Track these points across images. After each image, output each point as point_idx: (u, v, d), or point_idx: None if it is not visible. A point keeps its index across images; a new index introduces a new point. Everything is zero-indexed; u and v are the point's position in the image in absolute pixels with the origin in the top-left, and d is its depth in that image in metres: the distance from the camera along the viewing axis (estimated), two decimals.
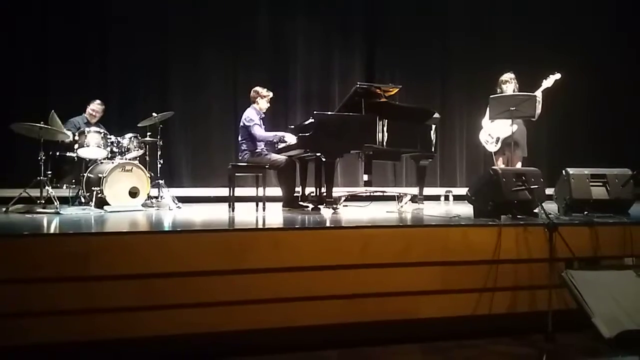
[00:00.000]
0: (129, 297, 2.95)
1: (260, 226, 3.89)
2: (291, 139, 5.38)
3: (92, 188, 5.21)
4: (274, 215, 4.72)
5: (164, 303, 2.99)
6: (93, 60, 7.23)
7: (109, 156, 5.54)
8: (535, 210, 4.01)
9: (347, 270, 3.24)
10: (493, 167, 4.44)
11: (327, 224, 4.00)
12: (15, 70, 6.92)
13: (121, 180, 5.28)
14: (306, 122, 5.44)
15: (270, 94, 5.72)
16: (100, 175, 5.23)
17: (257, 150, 5.53)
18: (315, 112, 5.33)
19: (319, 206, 5.10)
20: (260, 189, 5.18)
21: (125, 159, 5.53)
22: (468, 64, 8.43)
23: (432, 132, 5.50)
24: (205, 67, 7.59)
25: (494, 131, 5.53)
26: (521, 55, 7.72)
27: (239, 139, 5.64)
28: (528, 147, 5.57)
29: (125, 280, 2.95)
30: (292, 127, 5.96)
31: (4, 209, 4.94)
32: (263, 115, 5.70)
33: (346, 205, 5.62)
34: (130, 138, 5.71)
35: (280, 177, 5.64)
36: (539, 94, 5.29)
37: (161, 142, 5.96)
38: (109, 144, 5.54)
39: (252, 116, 5.52)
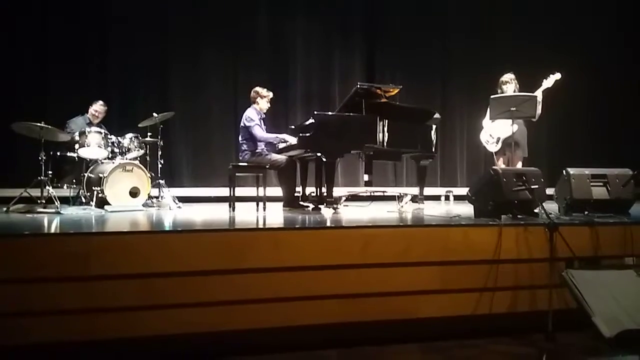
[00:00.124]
0: (129, 297, 2.95)
1: (260, 226, 3.89)
2: (292, 141, 5.39)
3: (93, 188, 5.22)
4: (275, 215, 4.73)
5: (165, 303, 2.99)
6: (93, 60, 7.24)
7: (109, 156, 5.54)
8: (536, 210, 4.01)
9: (348, 270, 3.24)
10: (493, 167, 4.44)
11: (328, 224, 4.00)
12: (15, 70, 6.93)
13: (122, 180, 5.28)
14: (307, 123, 5.45)
15: (270, 94, 5.73)
16: (101, 175, 5.23)
17: (257, 150, 5.53)
18: (315, 113, 5.34)
19: (320, 206, 5.11)
20: (261, 189, 5.18)
21: (126, 159, 5.53)
22: (468, 64, 8.43)
23: (432, 132, 5.50)
24: (205, 67, 7.59)
25: (494, 131, 5.53)
26: (521, 55, 7.72)
27: (240, 139, 5.64)
28: (528, 147, 5.57)
29: (125, 280, 2.96)
30: (293, 127, 5.97)
31: (4, 209, 4.95)
32: (263, 116, 5.71)
33: (347, 205, 5.62)
34: (131, 138, 5.71)
35: (280, 177, 5.64)
36: (539, 94, 5.29)
37: (162, 142, 5.97)
38: (110, 144, 5.55)
39: (252, 116, 5.52)
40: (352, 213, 4.91)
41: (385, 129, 5.08)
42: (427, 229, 3.57)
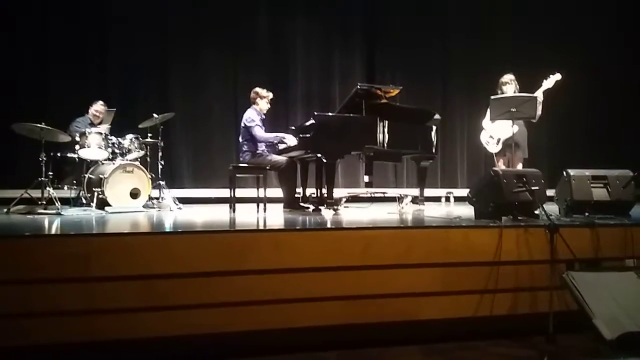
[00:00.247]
0: (130, 298, 2.94)
1: (261, 227, 3.89)
2: (291, 140, 5.38)
3: (93, 189, 5.22)
4: (275, 216, 4.73)
5: (165, 304, 2.99)
6: (93, 61, 7.24)
7: (110, 157, 5.54)
8: (536, 212, 4.01)
9: (348, 271, 3.24)
10: (494, 168, 4.44)
11: (328, 225, 4.00)
12: (15, 70, 6.93)
13: (122, 181, 5.28)
14: (307, 123, 5.45)
15: (270, 95, 5.73)
16: (101, 176, 5.23)
17: (258, 151, 5.53)
18: (315, 113, 5.34)
19: (320, 207, 5.11)
20: (261, 190, 5.18)
21: (126, 160, 5.53)
22: (468, 64, 8.43)
23: (432, 133, 5.50)
24: (205, 67, 7.60)
25: (494, 132, 5.53)
26: (521, 55, 7.72)
27: (240, 139, 5.64)
28: (529, 148, 5.57)
29: (126, 281, 2.95)
30: (293, 128, 5.97)
31: (5, 210, 4.95)
32: (264, 116, 5.71)
33: (347, 206, 5.62)
34: (131, 139, 5.72)
35: (281, 178, 5.64)
36: (539, 94, 5.29)
37: (162, 143, 5.97)
38: (110, 145, 5.55)
39: (252, 117, 5.52)
40: (352, 214, 4.91)
41: (386, 129, 5.08)
42: (428, 230, 3.57)
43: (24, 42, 6.98)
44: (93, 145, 5.38)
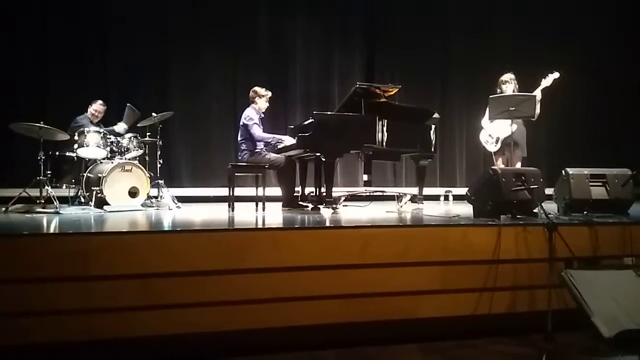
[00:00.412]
0: (128, 297, 2.95)
1: (259, 226, 3.89)
2: (289, 142, 5.39)
3: (92, 188, 5.21)
4: (274, 215, 4.73)
5: (164, 303, 2.99)
6: (93, 60, 7.24)
7: (108, 156, 5.54)
8: (535, 210, 4.01)
9: (347, 270, 3.24)
10: (492, 167, 4.44)
11: (327, 224, 4.00)
12: (15, 70, 6.93)
13: (121, 180, 5.28)
14: (306, 122, 5.45)
15: (269, 94, 5.73)
16: (99, 175, 5.23)
17: (256, 150, 5.53)
18: (314, 112, 5.34)
19: (319, 206, 5.10)
20: (260, 189, 5.18)
21: (125, 159, 5.53)
22: (468, 64, 8.43)
23: (431, 132, 5.50)
24: (205, 67, 7.60)
25: (493, 131, 5.54)
26: (521, 55, 7.72)
27: (239, 138, 5.64)
28: (528, 147, 5.57)
29: (124, 280, 2.96)
30: (292, 127, 5.97)
31: (3, 209, 4.94)
32: (262, 115, 5.71)
33: (346, 205, 5.61)
34: (130, 138, 5.71)
35: (279, 177, 5.64)
36: (538, 93, 5.29)
37: (161, 142, 5.96)
38: (109, 143, 5.54)
39: (251, 115, 5.52)
40: (351, 213, 4.91)
41: (385, 128, 5.07)
42: (426, 229, 3.57)
43: (24, 42, 6.98)
44: (92, 144, 5.37)
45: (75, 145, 5.38)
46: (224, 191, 5.52)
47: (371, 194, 6.64)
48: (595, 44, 8.47)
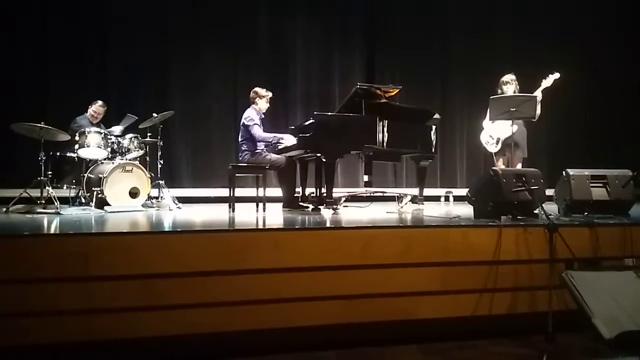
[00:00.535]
0: (129, 298, 2.95)
1: (260, 226, 3.89)
2: (289, 141, 5.38)
3: (93, 188, 5.21)
4: (274, 216, 4.73)
5: (164, 303, 2.99)
6: (93, 61, 7.25)
7: (109, 156, 5.54)
8: (536, 211, 4.01)
9: (348, 270, 3.24)
10: (493, 167, 4.44)
11: (328, 225, 4.00)
12: (15, 70, 6.93)
13: (121, 181, 5.28)
14: (306, 123, 5.44)
15: (270, 94, 5.73)
16: (100, 175, 5.23)
17: (257, 151, 5.53)
18: (315, 113, 5.33)
19: (319, 207, 5.10)
20: (261, 190, 5.17)
21: (126, 160, 5.53)
22: (468, 64, 8.43)
23: (432, 132, 5.49)
24: (205, 67, 7.60)
25: (494, 132, 5.54)
26: (521, 55, 7.73)
27: (239, 139, 5.64)
28: (528, 147, 5.57)
29: (125, 281, 2.95)
30: (293, 127, 5.96)
31: (4, 209, 4.94)
32: (263, 116, 5.71)
33: (346, 206, 5.62)
34: (131, 138, 5.71)
35: (280, 177, 5.64)
36: (538, 93, 5.29)
37: (161, 142, 5.96)
38: (110, 144, 5.54)
39: (252, 116, 5.52)
40: (351, 214, 4.91)
41: (385, 129, 5.07)
42: (427, 229, 3.57)
43: (24, 42, 6.98)
44: (92, 145, 5.37)
45: (76, 146, 5.38)
46: (224, 192, 5.52)
47: (372, 194, 6.64)
48: (595, 44, 8.48)
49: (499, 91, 5.53)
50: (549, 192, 4.44)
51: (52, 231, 3.58)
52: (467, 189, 4.47)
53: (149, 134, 5.95)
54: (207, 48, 7.64)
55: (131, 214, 4.97)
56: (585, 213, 4.14)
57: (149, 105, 6.46)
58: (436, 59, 8.56)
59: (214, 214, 4.92)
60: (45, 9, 7.10)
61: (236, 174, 5.38)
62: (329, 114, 5.66)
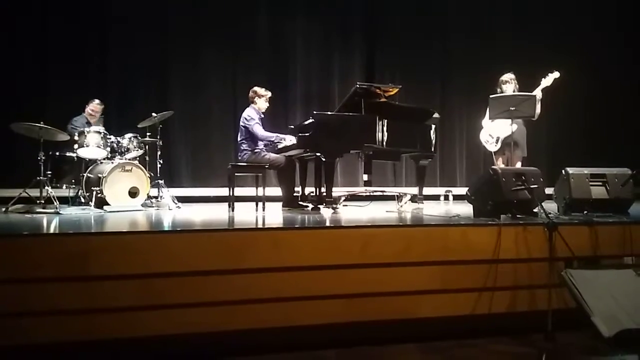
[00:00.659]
0: (128, 297, 2.95)
1: (260, 226, 3.89)
2: (289, 142, 5.39)
3: (92, 188, 5.21)
4: (274, 215, 4.73)
5: (164, 303, 2.99)
6: (93, 60, 7.24)
7: (108, 156, 5.53)
8: (535, 210, 4.01)
9: (347, 269, 3.24)
10: (493, 166, 4.44)
11: (327, 224, 4.00)
12: (15, 70, 6.92)
13: (121, 180, 5.28)
14: (306, 122, 5.44)
15: (269, 94, 5.73)
16: (100, 175, 5.23)
17: (256, 150, 5.53)
18: (315, 112, 5.34)
19: (319, 206, 5.10)
20: (260, 189, 5.18)
21: (125, 159, 5.53)
22: (468, 64, 8.42)
23: (431, 132, 5.50)
24: (205, 67, 7.59)
25: (494, 131, 5.54)
26: (521, 55, 7.71)
27: (239, 138, 5.64)
28: (528, 146, 5.58)
29: (125, 280, 2.96)
30: (292, 127, 5.96)
31: (3, 209, 4.94)
32: (262, 115, 5.70)
33: (346, 205, 5.62)
34: (130, 138, 5.70)
35: (280, 177, 5.64)
36: (538, 92, 5.29)
37: (161, 142, 5.96)
38: (109, 144, 5.54)
39: (252, 115, 5.52)
40: (351, 213, 4.91)
41: (385, 128, 5.07)
42: (427, 228, 3.57)
43: (24, 42, 6.97)
44: (92, 144, 5.37)
45: (76, 146, 5.38)
46: (224, 191, 5.52)
47: (371, 193, 6.64)
48: (595, 44, 8.47)
49: (499, 90, 5.53)
50: (549, 190, 4.45)
51: (51, 231, 3.58)
52: (467, 188, 4.47)
53: (148, 134, 5.95)
54: (207, 48, 7.64)
55: (131, 213, 4.97)
56: (585, 212, 4.15)
57: (149, 105, 6.45)
58: (436, 58, 8.55)
59: (214, 214, 4.92)
60: (45, 9, 7.09)
61: (236, 174, 5.38)
62: (329, 113, 5.67)
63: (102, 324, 2.91)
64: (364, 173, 6.15)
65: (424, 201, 5.61)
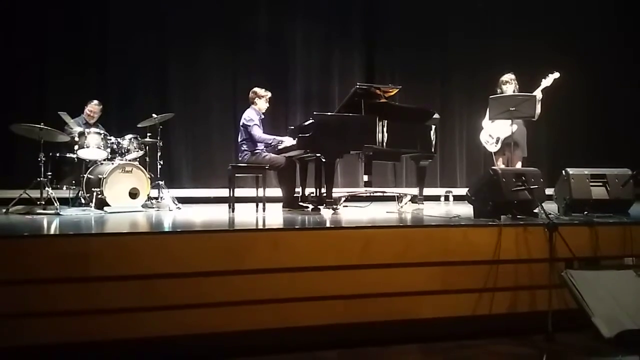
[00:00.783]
0: (128, 298, 2.94)
1: (260, 227, 3.88)
2: (289, 143, 5.39)
3: (92, 189, 5.22)
4: (274, 216, 4.72)
5: (164, 304, 2.98)
6: (92, 61, 7.24)
7: (109, 157, 5.54)
8: (535, 210, 4.00)
9: (348, 270, 3.24)
10: (493, 167, 4.44)
11: (327, 225, 4.00)
12: (14, 71, 6.92)
13: (121, 181, 5.28)
14: (306, 123, 5.44)
15: (269, 94, 5.73)
16: (100, 176, 5.23)
17: (257, 151, 5.53)
18: (315, 113, 5.34)
19: (319, 207, 5.10)
20: (260, 190, 5.18)
21: (125, 160, 5.53)
22: (468, 64, 8.43)
23: (432, 132, 5.50)
24: (204, 67, 7.60)
25: (494, 131, 5.54)
26: (521, 55, 7.72)
27: (239, 139, 5.64)
28: (528, 147, 5.58)
29: (125, 281, 2.95)
30: (292, 127, 5.97)
31: (4, 210, 4.94)
32: (262, 116, 5.71)
33: (346, 206, 5.62)
34: (130, 139, 5.71)
35: (280, 177, 5.64)
36: (538, 93, 5.30)
37: (161, 142, 5.96)
38: (109, 145, 5.55)
39: (252, 116, 5.53)
40: (351, 214, 4.91)
41: (385, 129, 5.07)
42: (427, 229, 3.57)
43: (24, 42, 6.97)
44: (92, 146, 5.38)
45: (76, 147, 5.38)
46: (224, 192, 5.52)
47: (371, 194, 6.64)
48: (595, 44, 8.47)
49: (499, 90, 5.53)
50: (549, 191, 4.44)
51: (52, 232, 3.58)
52: (467, 189, 4.46)
53: (148, 135, 5.95)
54: (207, 48, 7.64)
55: (131, 214, 4.97)
56: (585, 212, 4.14)
57: (149, 105, 6.46)
58: (436, 58, 8.55)
59: (214, 214, 4.92)
60: (45, 8, 7.09)
61: (236, 174, 5.38)
62: (329, 114, 5.67)
63: (102, 325, 2.91)
64: (364, 174, 6.15)
65: (424, 202, 5.60)
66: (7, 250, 2.88)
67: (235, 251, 3.12)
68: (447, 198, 6.72)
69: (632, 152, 7.33)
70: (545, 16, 8.59)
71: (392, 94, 5.42)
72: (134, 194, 5.34)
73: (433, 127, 5.53)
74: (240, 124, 5.60)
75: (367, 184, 6.59)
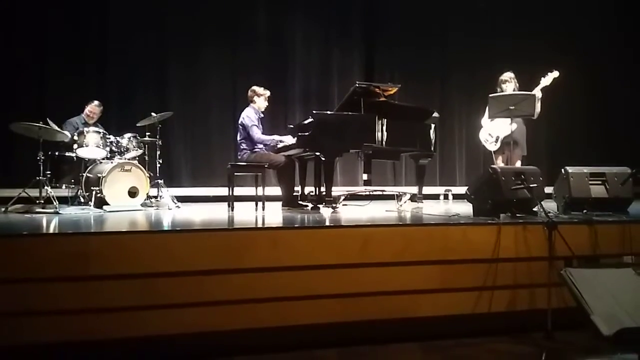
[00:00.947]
0: (128, 297, 2.94)
1: (259, 225, 3.89)
2: (289, 142, 5.38)
3: (92, 188, 5.21)
4: (274, 215, 4.73)
5: (164, 303, 2.99)
6: (92, 60, 7.23)
7: (108, 156, 5.53)
8: (535, 209, 4.01)
9: (347, 269, 3.24)
10: (492, 165, 4.44)
11: (327, 223, 4.00)
12: (14, 70, 6.92)
13: (120, 180, 5.28)
14: (305, 122, 5.45)
15: (268, 93, 5.73)
16: (99, 175, 5.23)
17: (256, 150, 5.53)
18: (314, 112, 5.34)
19: (319, 205, 5.11)
20: (260, 189, 5.18)
21: (125, 159, 5.52)
22: (467, 63, 8.42)
23: (431, 131, 5.50)
24: (204, 66, 7.59)
25: (493, 130, 5.54)
26: (521, 55, 7.71)
27: (238, 138, 5.64)
28: (527, 146, 5.58)
29: (124, 280, 2.95)
30: (292, 126, 5.97)
31: (3, 209, 4.94)
32: (262, 115, 5.71)
33: (345, 205, 5.61)
34: (129, 138, 5.70)
35: (279, 176, 5.64)
36: (537, 91, 5.30)
37: (160, 141, 5.96)
38: (108, 143, 5.54)
39: (250, 116, 5.53)
40: (351, 212, 4.91)
41: (384, 128, 5.08)
42: (426, 228, 3.57)
43: (24, 42, 6.97)
44: (91, 144, 5.37)
45: (75, 146, 5.38)
46: (223, 191, 5.52)
47: (371, 193, 6.64)
48: (595, 44, 8.47)
49: (498, 89, 5.53)
50: (548, 189, 4.45)
51: (51, 231, 3.58)
52: (466, 187, 4.47)
53: (147, 133, 5.95)
54: (206, 47, 7.64)
55: (130, 213, 4.96)
56: (584, 211, 4.15)
57: (149, 104, 6.45)
58: (435, 57, 8.55)
59: (213, 213, 4.92)
60: (45, 9, 7.09)
61: (235, 173, 5.38)
62: (328, 112, 5.67)
63: (101, 324, 2.91)
64: (364, 172, 6.17)
65: (423, 200, 5.61)
66: (7, 249, 2.88)
67: (234, 250, 3.12)
68: (446, 197, 6.72)
69: (632, 152, 7.33)
70: (545, 16, 8.58)
71: (391, 92, 5.43)
72: (133, 193, 5.34)
73: (432, 125, 5.53)
74: (239, 122, 5.60)
75: (367, 183, 6.61)
